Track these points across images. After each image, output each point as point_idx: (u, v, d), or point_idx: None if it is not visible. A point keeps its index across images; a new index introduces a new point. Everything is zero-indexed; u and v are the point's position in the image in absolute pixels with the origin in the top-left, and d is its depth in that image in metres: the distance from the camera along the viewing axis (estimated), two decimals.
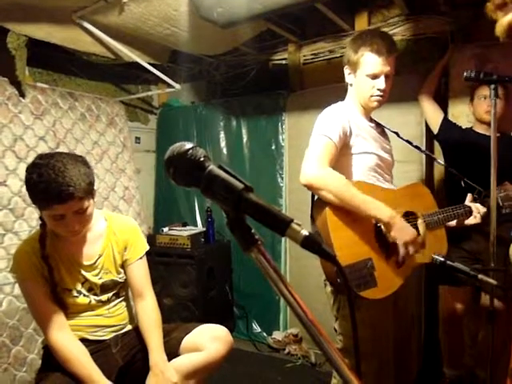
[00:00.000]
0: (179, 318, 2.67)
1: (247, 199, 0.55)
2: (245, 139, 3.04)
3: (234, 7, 1.99)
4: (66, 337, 1.35)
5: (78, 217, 1.29)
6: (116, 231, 1.50)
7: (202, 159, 0.59)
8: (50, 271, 1.35)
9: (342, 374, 0.57)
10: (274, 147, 2.91)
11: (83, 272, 1.42)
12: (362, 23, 2.57)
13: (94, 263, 1.44)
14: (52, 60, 2.68)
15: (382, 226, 1.37)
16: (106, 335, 1.48)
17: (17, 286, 2.05)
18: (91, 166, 1.35)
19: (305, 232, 0.54)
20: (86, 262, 1.43)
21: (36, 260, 1.35)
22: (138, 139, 3.35)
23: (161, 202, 3.43)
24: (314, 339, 0.57)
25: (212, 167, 0.58)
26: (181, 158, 0.60)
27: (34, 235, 1.41)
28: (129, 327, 1.55)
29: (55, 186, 1.20)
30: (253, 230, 0.58)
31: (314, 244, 0.54)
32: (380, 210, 1.31)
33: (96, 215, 1.47)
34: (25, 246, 1.39)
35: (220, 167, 0.58)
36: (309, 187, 1.33)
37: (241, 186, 0.56)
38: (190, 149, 0.60)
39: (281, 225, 0.55)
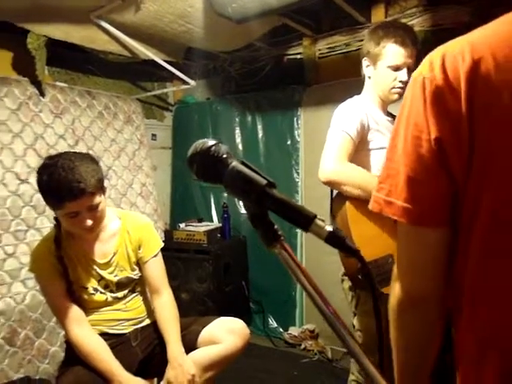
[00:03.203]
0: (196, 312, 2.70)
1: (271, 195, 0.55)
2: (260, 135, 3.04)
3: (249, 2, 1.99)
4: (85, 332, 1.39)
5: (91, 213, 1.32)
6: (129, 230, 1.51)
7: (225, 156, 0.59)
8: (65, 271, 1.38)
9: (366, 369, 0.57)
10: (289, 142, 2.90)
11: (98, 270, 1.45)
12: (378, 15, 2.52)
13: (109, 261, 1.47)
14: (70, 59, 2.71)
15: None
16: (125, 329, 1.51)
17: None
18: (99, 163, 1.38)
19: (329, 228, 0.53)
20: (100, 260, 1.46)
21: (53, 259, 1.38)
22: (154, 136, 3.38)
23: (177, 198, 3.46)
24: (337, 334, 0.57)
25: (235, 163, 0.59)
26: (204, 155, 0.60)
27: (49, 236, 1.43)
28: (147, 321, 1.58)
29: (66, 183, 1.23)
30: (275, 226, 0.58)
31: (338, 239, 0.54)
32: None
33: (109, 214, 1.49)
34: (41, 246, 1.42)
35: (243, 163, 0.59)
36: (329, 184, 1.32)
37: (264, 181, 0.56)
38: (213, 145, 0.60)
39: (305, 220, 0.55)
